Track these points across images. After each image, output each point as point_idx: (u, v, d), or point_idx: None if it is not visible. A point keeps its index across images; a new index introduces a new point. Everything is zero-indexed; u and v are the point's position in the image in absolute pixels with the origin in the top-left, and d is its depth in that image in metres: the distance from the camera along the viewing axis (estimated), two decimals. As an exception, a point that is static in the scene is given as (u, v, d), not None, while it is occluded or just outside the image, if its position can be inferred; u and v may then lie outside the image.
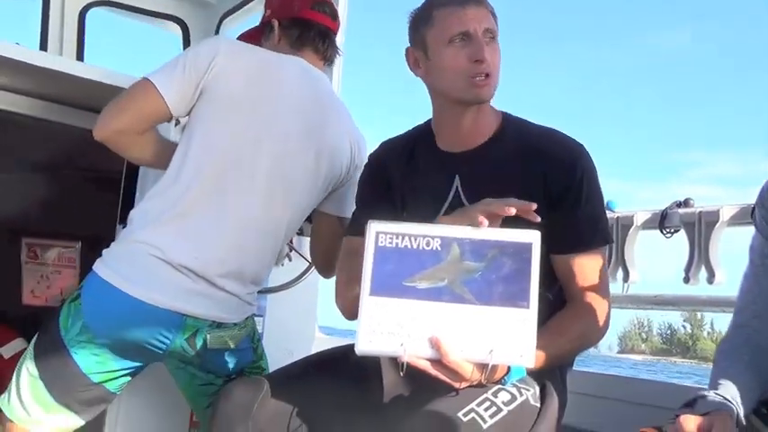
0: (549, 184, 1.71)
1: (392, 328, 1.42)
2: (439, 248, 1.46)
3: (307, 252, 2.71)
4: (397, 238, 1.47)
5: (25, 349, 3.22)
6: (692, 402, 1.44)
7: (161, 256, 1.87)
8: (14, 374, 1.97)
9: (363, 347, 1.42)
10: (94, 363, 1.91)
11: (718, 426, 1.31)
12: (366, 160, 2.02)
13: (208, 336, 1.93)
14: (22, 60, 2.27)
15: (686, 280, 2.47)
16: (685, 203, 2.47)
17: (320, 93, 2.12)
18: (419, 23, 1.78)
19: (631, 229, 2.53)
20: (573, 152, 1.76)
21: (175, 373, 2.06)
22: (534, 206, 1.50)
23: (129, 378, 2.00)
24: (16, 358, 3.21)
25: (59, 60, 2.29)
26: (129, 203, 2.38)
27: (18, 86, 2.61)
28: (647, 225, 2.55)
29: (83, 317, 1.88)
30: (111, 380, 1.96)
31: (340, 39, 2.74)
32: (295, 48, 2.15)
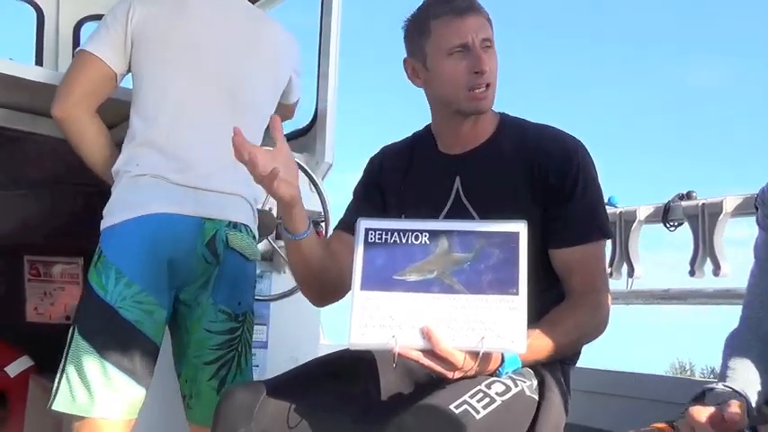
0: (547, 178, 1.72)
1: (384, 321, 1.44)
2: (427, 242, 1.50)
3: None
4: (386, 234, 1.52)
5: (30, 367, 3.29)
6: (701, 396, 1.43)
7: (156, 176, 2.00)
8: (62, 371, 1.92)
9: (356, 340, 1.44)
10: (141, 312, 1.93)
11: (729, 411, 1.29)
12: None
13: (227, 235, 2.04)
14: (17, 76, 2.27)
15: (692, 273, 2.46)
16: (688, 196, 2.45)
17: (229, 8, 2.20)
18: (415, 34, 1.79)
19: (634, 224, 2.53)
20: (569, 146, 1.77)
21: (188, 318, 2.07)
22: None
23: (164, 323, 2.02)
24: (22, 376, 3.25)
25: (55, 75, 2.28)
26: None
27: (13, 102, 2.61)
28: (650, 219, 2.54)
29: (113, 265, 1.93)
30: (156, 329, 1.98)
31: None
32: None
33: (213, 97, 2.09)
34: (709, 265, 2.40)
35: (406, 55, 1.84)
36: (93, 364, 1.88)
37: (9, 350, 3.33)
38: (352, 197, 1.99)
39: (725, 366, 1.55)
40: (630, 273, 2.72)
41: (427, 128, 1.91)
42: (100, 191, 3.08)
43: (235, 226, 2.08)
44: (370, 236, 1.52)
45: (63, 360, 1.93)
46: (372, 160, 1.99)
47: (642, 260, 2.62)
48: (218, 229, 2.03)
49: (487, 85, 1.72)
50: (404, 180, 1.88)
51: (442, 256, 1.48)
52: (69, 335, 1.95)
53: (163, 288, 1.98)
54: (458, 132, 1.81)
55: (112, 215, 1.99)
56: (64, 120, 2.05)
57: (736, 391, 1.42)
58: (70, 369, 1.90)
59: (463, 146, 1.82)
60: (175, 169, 2.01)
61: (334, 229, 1.96)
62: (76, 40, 3.51)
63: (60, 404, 1.90)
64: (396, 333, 1.42)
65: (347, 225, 1.86)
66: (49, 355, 3.29)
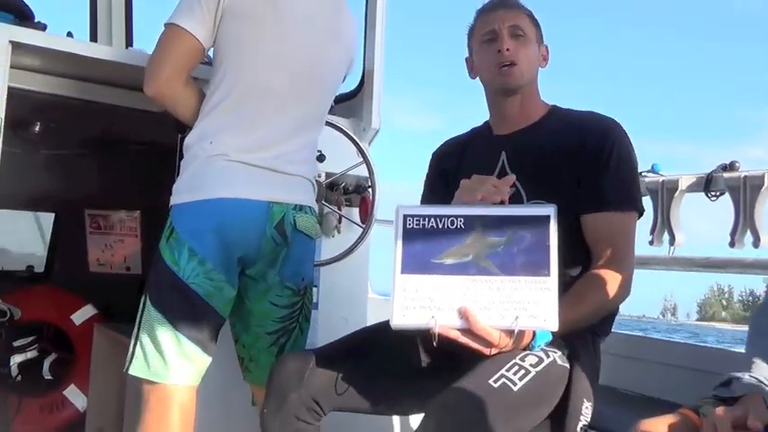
0: (583, 150, 1.85)
1: (423, 303, 1.53)
2: (462, 227, 1.57)
3: (357, 222, 2.80)
4: (423, 219, 1.59)
5: (94, 315, 3.46)
6: (728, 383, 1.48)
7: (229, 158, 2.02)
8: (136, 338, 2.01)
9: (398, 322, 1.53)
10: (212, 288, 2.01)
11: (752, 414, 1.35)
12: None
13: (295, 217, 2.11)
14: (73, 53, 2.35)
15: (732, 244, 2.48)
16: (731, 167, 2.46)
17: None
18: (468, 36, 2.08)
19: (676, 193, 2.54)
20: (607, 123, 1.90)
21: (251, 289, 2.14)
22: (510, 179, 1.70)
23: (232, 300, 2.09)
24: (87, 324, 3.44)
25: (108, 50, 2.37)
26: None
27: (71, 72, 2.71)
28: (692, 188, 2.55)
29: (186, 242, 1.99)
30: (224, 305, 2.06)
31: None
32: None
33: (293, 81, 2.12)
34: (749, 237, 2.42)
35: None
36: (166, 333, 1.98)
37: (74, 299, 3.54)
38: (423, 188, 2.16)
39: (751, 348, 1.60)
40: (671, 241, 2.75)
41: (486, 121, 2.10)
42: (152, 149, 3.22)
43: (301, 208, 2.14)
44: (408, 222, 1.59)
45: (136, 328, 2.03)
46: (435, 153, 2.18)
47: (683, 228, 2.66)
48: (285, 212, 2.09)
49: (512, 64, 1.91)
50: (460, 162, 2.05)
51: (476, 240, 1.55)
52: (141, 303, 2.03)
53: (232, 267, 2.05)
54: (504, 113, 2.00)
55: (185, 193, 2.04)
56: (157, 97, 2.06)
57: (762, 382, 1.46)
58: (144, 337, 2.00)
59: (510, 127, 2.00)
60: (249, 149, 2.05)
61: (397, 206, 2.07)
62: (129, 11, 3.55)
63: (136, 369, 2.00)
64: (435, 314, 1.51)
65: None
66: (111, 303, 3.51)
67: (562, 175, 1.84)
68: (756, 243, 2.43)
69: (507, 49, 1.91)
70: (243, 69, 2.07)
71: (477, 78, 2.05)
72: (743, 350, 1.68)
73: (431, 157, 2.19)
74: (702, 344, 2.53)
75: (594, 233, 1.82)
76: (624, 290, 1.79)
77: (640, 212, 1.89)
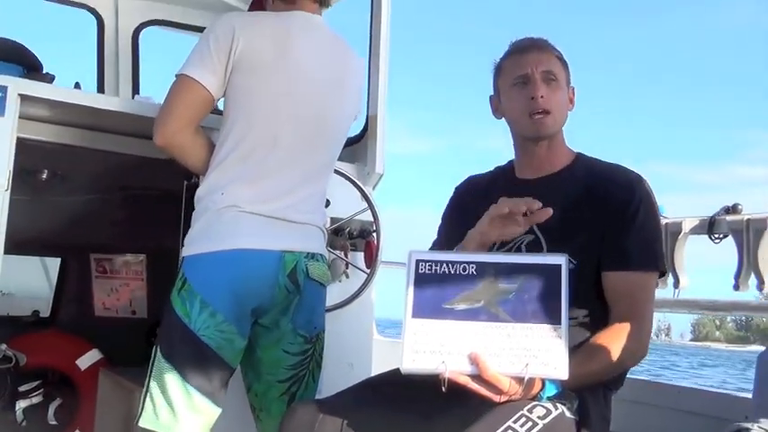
0: (609, 204, 1.83)
1: (434, 347, 1.53)
2: (474, 273, 1.59)
3: (362, 266, 2.81)
4: (435, 265, 1.61)
5: (100, 359, 3.46)
6: None
7: (240, 209, 2.05)
8: (147, 390, 2.03)
9: (408, 366, 1.53)
10: (222, 340, 2.02)
11: None
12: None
13: (307, 265, 2.13)
14: (80, 104, 2.38)
15: (736, 287, 2.48)
16: (733, 209, 2.47)
17: (325, 43, 2.23)
18: (495, 74, 2.01)
19: (680, 236, 2.55)
20: (633, 177, 1.88)
21: (263, 338, 2.15)
22: (549, 211, 1.69)
23: (242, 351, 2.10)
24: (93, 369, 3.44)
25: (115, 101, 2.40)
26: (190, 219, 2.48)
27: (79, 122, 2.74)
28: (695, 231, 2.56)
29: (198, 294, 2.00)
30: (234, 356, 2.08)
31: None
32: (289, 2, 2.22)
33: (302, 132, 2.14)
34: (753, 280, 2.43)
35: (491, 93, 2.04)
36: (176, 385, 1.99)
37: (80, 344, 3.55)
38: (440, 220, 2.15)
39: (759, 397, 1.61)
40: (676, 284, 2.76)
41: (510, 162, 2.08)
42: (158, 195, 3.24)
43: (313, 256, 2.16)
44: (420, 267, 1.60)
45: (147, 379, 2.04)
46: (458, 188, 2.16)
47: (686, 270, 2.66)
48: (298, 261, 2.10)
49: (546, 112, 1.88)
50: (483, 204, 1.95)
51: (488, 286, 1.56)
52: (152, 355, 2.05)
53: (244, 318, 2.07)
54: (531, 158, 1.98)
55: (197, 244, 2.06)
56: (166, 147, 2.09)
57: None
58: (154, 389, 2.01)
59: (536, 172, 1.97)
60: (259, 200, 2.07)
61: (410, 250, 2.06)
62: (135, 46, 3.60)
63: (146, 421, 2.02)
64: (445, 359, 1.51)
65: (439, 245, 2.06)
66: (117, 348, 3.51)
67: (585, 226, 1.83)
68: (760, 286, 2.43)
69: (542, 96, 1.87)
70: (252, 121, 2.09)
71: (502, 118, 2.02)
72: (749, 395, 1.69)
73: (454, 191, 2.16)
74: (710, 388, 2.52)
75: (615, 291, 1.81)
76: (640, 350, 1.79)
77: (663, 272, 1.90)
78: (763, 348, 1.72)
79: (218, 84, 2.07)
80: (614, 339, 1.75)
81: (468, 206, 2.04)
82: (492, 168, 2.14)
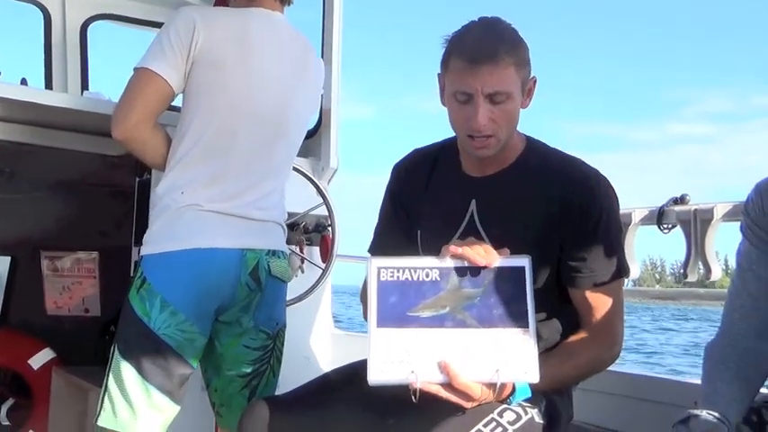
0: (569, 212, 1.74)
1: (401, 357, 1.48)
2: (438, 278, 1.55)
3: (318, 261, 2.81)
4: (397, 271, 1.56)
5: (52, 359, 3.41)
6: (686, 420, 1.52)
7: (201, 208, 2.03)
8: (105, 388, 2.02)
9: (375, 377, 1.47)
10: (183, 339, 2.00)
11: None
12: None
13: (269, 262, 2.12)
14: (28, 101, 2.35)
15: (684, 276, 2.53)
16: (681, 200, 2.52)
17: (285, 40, 2.21)
18: (443, 59, 1.76)
19: (630, 226, 2.59)
20: (593, 181, 1.77)
21: (224, 334, 2.14)
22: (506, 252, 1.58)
23: (203, 348, 2.09)
24: (46, 368, 3.39)
25: (63, 97, 2.36)
26: (143, 216, 2.45)
27: (27, 119, 2.70)
28: (644, 221, 2.60)
29: (158, 294, 1.98)
30: (195, 354, 2.06)
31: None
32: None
33: (262, 129, 2.13)
34: (700, 269, 2.48)
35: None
36: (134, 383, 1.98)
37: (32, 343, 3.48)
38: (377, 219, 2.02)
39: (706, 385, 1.65)
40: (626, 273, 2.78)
41: (454, 141, 1.88)
42: (109, 192, 3.21)
43: (274, 253, 2.16)
44: (382, 274, 1.55)
45: (105, 378, 2.02)
46: (398, 168, 2.00)
47: (636, 259, 2.70)
48: (259, 259, 2.10)
49: (488, 136, 1.70)
50: (423, 196, 1.90)
51: (452, 291, 1.53)
52: (111, 353, 2.03)
53: (206, 317, 2.05)
54: (476, 160, 1.82)
55: (157, 243, 2.04)
56: (125, 140, 2.05)
57: (719, 420, 1.51)
58: (113, 387, 2.00)
59: (483, 170, 1.83)
60: (220, 198, 2.06)
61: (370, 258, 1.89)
62: (84, 41, 3.55)
63: (104, 420, 2.00)
64: (415, 368, 1.46)
65: (380, 250, 1.94)
66: (70, 346, 3.46)
67: (536, 236, 1.73)
68: (708, 275, 2.48)
69: (484, 124, 1.67)
70: (212, 118, 2.07)
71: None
72: (698, 381, 1.73)
73: (394, 171, 2.00)
74: (661, 376, 2.57)
75: (584, 304, 1.77)
76: (615, 352, 1.78)
77: (627, 275, 1.86)
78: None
79: (179, 78, 2.04)
80: (586, 346, 1.74)
81: (408, 201, 1.93)
82: (439, 142, 1.96)
